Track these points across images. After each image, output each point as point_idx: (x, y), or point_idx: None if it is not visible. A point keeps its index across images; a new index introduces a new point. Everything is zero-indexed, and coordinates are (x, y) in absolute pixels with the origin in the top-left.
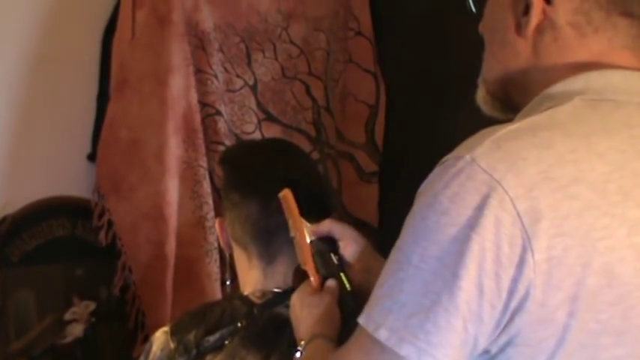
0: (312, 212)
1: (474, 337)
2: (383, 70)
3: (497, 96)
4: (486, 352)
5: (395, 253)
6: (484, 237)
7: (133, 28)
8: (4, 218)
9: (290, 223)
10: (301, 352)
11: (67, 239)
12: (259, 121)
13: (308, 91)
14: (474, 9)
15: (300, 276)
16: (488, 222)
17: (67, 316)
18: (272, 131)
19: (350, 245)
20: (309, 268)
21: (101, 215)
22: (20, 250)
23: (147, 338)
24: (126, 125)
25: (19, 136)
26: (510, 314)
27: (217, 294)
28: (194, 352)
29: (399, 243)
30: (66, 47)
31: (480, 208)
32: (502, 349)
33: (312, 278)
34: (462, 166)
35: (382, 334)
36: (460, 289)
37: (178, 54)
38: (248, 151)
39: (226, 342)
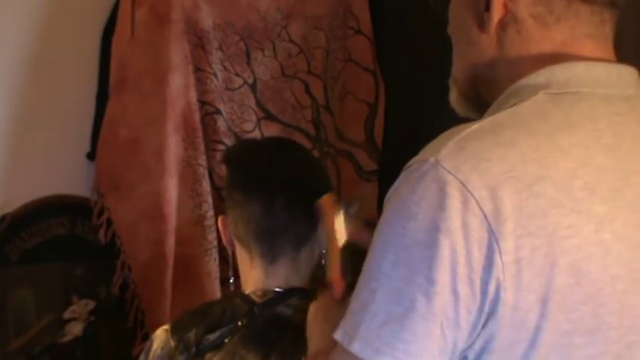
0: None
1: (453, 344)
2: (382, 69)
3: (469, 96)
4: (464, 358)
5: (367, 263)
6: (453, 240)
7: (132, 26)
8: (4, 217)
9: (326, 230)
10: None
11: (66, 238)
12: (259, 120)
13: (307, 90)
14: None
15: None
16: (455, 225)
17: (67, 314)
18: (271, 130)
19: None
20: (334, 274)
21: (100, 214)
22: (19, 249)
23: (146, 337)
24: (125, 124)
25: (19, 135)
26: (485, 317)
27: (217, 292)
28: (194, 350)
29: (371, 251)
30: (65, 46)
31: (447, 211)
32: (478, 356)
33: (334, 286)
34: (427, 169)
35: (355, 347)
36: (436, 294)
37: (178, 53)
38: (251, 151)
39: (226, 340)
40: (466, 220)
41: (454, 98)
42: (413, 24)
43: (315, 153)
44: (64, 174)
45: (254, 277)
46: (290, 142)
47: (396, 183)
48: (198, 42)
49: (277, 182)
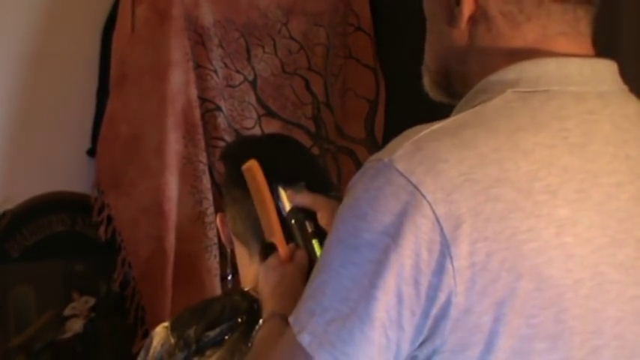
0: None
1: (396, 344)
2: (383, 66)
3: (441, 85)
4: (414, 357)
5: (323, 254)
6: (402, 245)
7: (132, 23)
8: (4, 214)
9: (255, 194)
10: (257, 332)
11: (66, 235)
12: (259, 117)
13: (308, 87)
14: None
15: (268, 251)
16: (406, 229)
17: (67, 311)
18: (272, 127)
19: (329, 215)
20: (277, 239)
21: (101, 210)
22: (20, 246)
23: (147, 333)
24: (125, 120)
25: (19, 132)
26: (433, 321)
27: (217, 289)
28: (194, 347)
29: (326, 243)
30: (66, 43)
31: (398, 215)
32: (429, 358)
33: (280, 250)
34: (381, 169)
35: (304, 339)
36: (376, 299)
37: (178, 49)
38: (249, 147)
39: (226, 337)
40: (417, 223)
41: (427, 84)
42: (413, 20)
43: (316, 150)
44: (65, 171)
45: (253, 273)
46: (288, 139)
47: (354, 178)
48: (198, 39)
49: (275, 179)
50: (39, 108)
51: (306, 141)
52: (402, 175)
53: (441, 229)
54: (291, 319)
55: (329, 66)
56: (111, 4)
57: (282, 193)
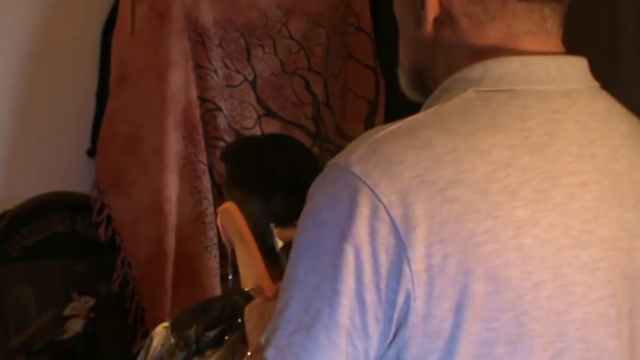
0: None
1: (364, 352)
2: (383, 66)
3: (415, 84)
4: None
5: (287, 267)
6: (359, 248)
7: (132, 23)
8: (4, 214)
9: (237, 235)
10: None
11: (66, 235)
12: (259, 117)
13: (308, 87)
14: None
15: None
16: (362, 232)
17: (67, 311)
18: (271, 127)
19: None
20: (263, 278)
21: (100, 211)
22: (20, 246)
23: (146, 333)
24: (125, 121)
25: (19, 132)
26: (396, 326)
27: (217, 289)
28: (194, 347)
29: (290, 256)
30: (65, 43)
31: (354, 218)
32: None
33: (265, 288)
34: (338, 173)
35: (269, 353)
36: (339, 305)
37: (178, 49)
38: (250, 148)
39: (226, 337)
40: (374, 227)
41: (403, 85)
42: None
43: (316, 150)
44: (65, 171)
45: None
46: (289, 139)
47: (312, 186)
48: (198, 39)
49: (276, 179)
50: (39, 108)
51: (306, 141)
52: (358, 178)
53: (397, 232)
54: (262, 339)
55: (329, 66)
56: (111, 4)
57: (274, 231)
